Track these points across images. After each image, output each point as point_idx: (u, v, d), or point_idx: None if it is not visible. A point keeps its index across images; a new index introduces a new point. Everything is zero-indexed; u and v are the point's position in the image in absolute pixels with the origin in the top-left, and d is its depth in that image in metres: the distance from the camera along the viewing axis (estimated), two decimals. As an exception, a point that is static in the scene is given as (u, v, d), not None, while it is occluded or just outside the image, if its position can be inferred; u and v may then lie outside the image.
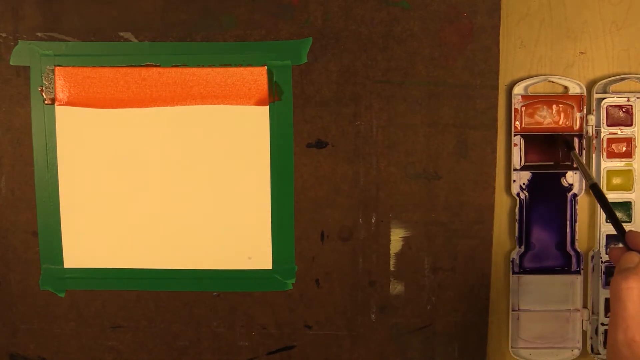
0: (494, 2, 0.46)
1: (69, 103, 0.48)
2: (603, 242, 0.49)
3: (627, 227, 0.49)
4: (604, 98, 0.48)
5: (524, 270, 0.50)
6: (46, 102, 0.48)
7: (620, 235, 0.39)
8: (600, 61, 0.49)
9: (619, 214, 0.49)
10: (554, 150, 0.48)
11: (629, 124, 0.49)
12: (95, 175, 0.49)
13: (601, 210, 0.49)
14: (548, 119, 0.49)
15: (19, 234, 0.49)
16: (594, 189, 0.42)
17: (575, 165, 0.48)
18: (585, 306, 0.50)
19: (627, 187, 0.49)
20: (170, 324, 0.50)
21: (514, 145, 0.49)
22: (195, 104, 0.48)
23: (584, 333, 0.50)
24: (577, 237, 0.49)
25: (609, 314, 0.50)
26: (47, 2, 0.47)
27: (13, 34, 0.47)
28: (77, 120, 0.48)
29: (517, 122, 0.49)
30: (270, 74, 0.47)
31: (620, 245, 0.39)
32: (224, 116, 0.48)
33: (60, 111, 0.48)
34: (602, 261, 0.49)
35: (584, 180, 0.49)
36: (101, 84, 0.48)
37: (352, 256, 0.49)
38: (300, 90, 0.47)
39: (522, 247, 0.50)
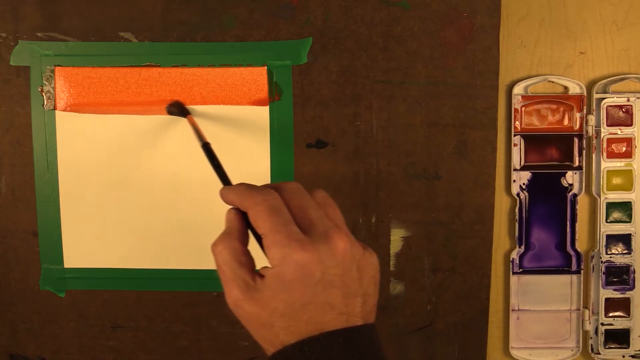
0: (494, 2, 0.46)
1: (69, 104, 0.48)
2: (603, 242, 0.49)
3: (627, 227, 0.49)
4: (604, 98, 0.48)
5: (523, 270, 0.50)
6: (46, 107, 0.48)
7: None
8: (600, 61, 0.49)
9: (618, 214, 0.50)
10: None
11: (629, 124, 0.49)
12: (95, 175, 0.49)
13: (601, 210, 0.49)
14: (548, 119, 0.49)
15: (19, 234, 0.49)
16: (206, 149, 0.40)
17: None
18: (585, 306, 0.50)
19: (627, 187, 0.49)
20: (170, 324, 0.50)
21: (514, 145, 0.49)
22: (196, 104, 0.48)
23: (584, 333, 0.50)
24: (577, 237, 0.49)
25: (609, 314, 0.50)
26: (47, 2, 0.47)
27: (13, 34, 0.47)
28: (77, 120, 0.48)
29: (517, 122, 0.49)
30: (270, 74, 0.47)
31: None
32: (224, 116, 0.48)
33: (61, 112, 0.48)
34: (602, 261, 0.50)
35: (583, 182, 0.49)
36: (101, 84, 0.48)
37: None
38: (300, 90, 0.47)
39: (522, 247, 0.50)
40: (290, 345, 0.29)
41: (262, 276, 0.30)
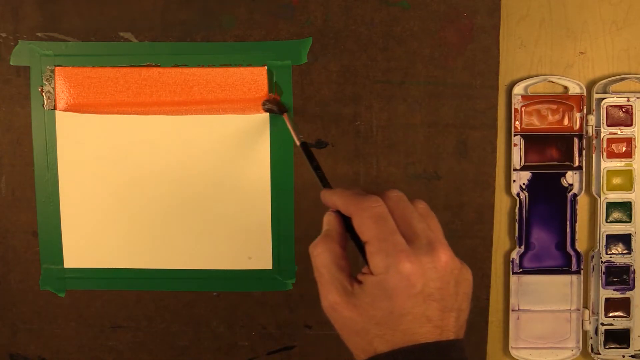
0: (494, 2, 0.46)
1: (69, 104, 0.48)
2: (603, 242, 0.49)
3: (627, 227, 0.49)
4: (604, 98, 0.48)
5: (524, 270, 0.50)
6: (46, 107, 0.48)
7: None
8: (600, 61, 0.49)
9: (618, 214, 0.50)
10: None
11: (629, 124, 0.49)
12: (95, 175, 0.49)
13: (601, 210, 0.49)
14: (548, 119, 0.49)
15: (19, 234, 0.49)
16: (304, 148, 0.40)
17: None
18: (585, 306, 0.50)
19: (627, 187, 0.49)
20: (170, 324, 0.50)
21: (514, 145, 0.49)
22: (196, 106, 0.48)
23: (584, 333, 0.50)
24: (577, 237, 0.49)
25: (609, 314, 0.50)
26: (47, 2, 0.47)
27: (13, 34, 0.47)
28: (77, 120, 0.48)
29: (517, 122, 0.49)
30: (270, 74, 0.47)
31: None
32: (224, 116, 0.48)
33: (61, 112, 0.48)
34: (602, 261, 0.50)
35: (583, 182, 0.49)
36: (101, 84, 0.48)
37: (352, 256, 0.49)
38: (300, 90, 0.47)
39: (522, 247, 0.50)
40: (383, 354, 0.29)
41: (359, 282, 0.30)
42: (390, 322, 0.29)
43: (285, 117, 0.44)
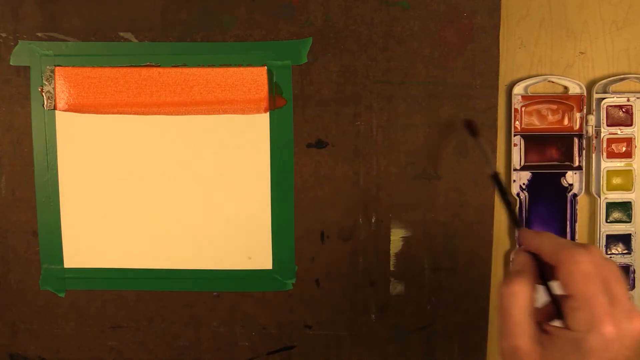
0: (494, 2, 0.46)
1: (69, 104, 0.48)
2: (603, 242, 0.49)
3: (627, 227, 0.49)
4: (604, 98, 0.48)
5: (524, 270, 0.50)
6: (46, 107, 0.48)
7: (516, 229, 0.36)
8: (600, 61, 0.49)
9: (618, 214, 0.50)
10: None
11: (629, 124, 0.49)
12: (95, 175, 0.49)
13: (601, 210, 0.49)
14: (548, 119, 0.49)
15: (19, 234, 0.49)
16: (495, 178, 0.39)
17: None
18: (585, 306, 0.50)
19: (627, 187, 0.49)
20: (170, 324, 0.50)
21: (514, 145, 0.49)
22: (196, 106, 0.48)
23: (584, 333, 0.50)
24: (577, 237, 0.49)
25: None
26: (47, 2, 0.47)
27: (13, 34, 0.47)
28: (77, 120, 0.48)
29: (517, 122, 0.49)
30: (270, 74, 0.47)
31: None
32: (224, 116, 0.48)
33: (61, 112, 0.48)
34: (602, 261, 0.50)
35: (583, 182, 0.49)
36: (101, 84, 0.48)
37: (352, 256, 0.49)
38: (300, 90, 0.47)
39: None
40: None
41: (546, 332, 0.30)
42: None
43: (477, 141, 0.43)
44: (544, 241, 0.32)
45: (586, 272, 0.30)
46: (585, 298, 0.29)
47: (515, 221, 0.36)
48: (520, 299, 0.31)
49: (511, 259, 0.33)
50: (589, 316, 0.29)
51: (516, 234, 0.35)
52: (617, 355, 0.29)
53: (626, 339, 0.29)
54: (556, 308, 0.31)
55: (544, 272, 0.32)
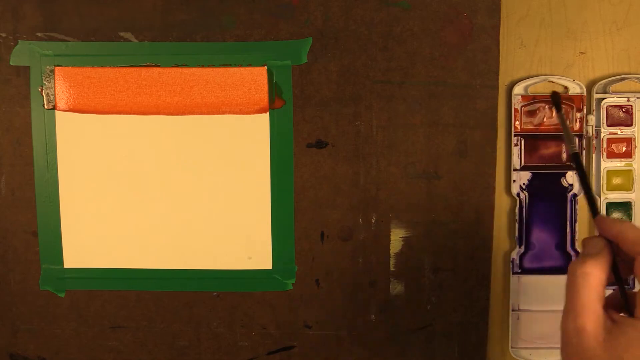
0: (494, 2, 0.46)
1: (69, 104, 0.48)
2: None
3: (627, 227, 0.49)
4: (604, 98, 0.48)
5: (524, 271, 0.50)
6: (46, 107, 0.48)
7: (593, 216, 0.35)
8: (600, 61, 0.49)
9: (618, 214, 0.49)
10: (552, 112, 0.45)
11: (629, 124, 0.49)
12: (95, 175, 0.49)
13: (601, 210, 0.49)
14: (548, 119, 0.49)
15: (19, 234, 0.49)
16: (575, 159, 0.38)
17: (561, 130, 0.43)
18: (585, 306, 0.50)
19: (627, 187, 0.49)
20: (170, 324, 0.50)
21: (514, 145, 0.49)
22: (196, 106, 0.48)
23: (584, 333, 0.50)
24: (577, 237, 0.49)
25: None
26: (47, 2, 0.47)
27: (13, 34, 0.47)
28: (77, 120, 0.48)
29: (517, 122, 0.49)
30: (270, 74, 0.47)
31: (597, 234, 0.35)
32: (224, 116, 0.48)
33: (61, 112, 0.48)
34: (602, 261, 0.49)
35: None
36: (101, 84, 0.48)
37: (352, 256, 0.49)
38: (300, 90, 0.47)
39: (522, 247, 0.50)
40: None
41: (614, 321, 0.30)
42: None
43: (559, 115, 0.40)
44: (626, 230, 0.31)
45: None
46: None
47: (593, 207, 0.35)
48: (593, 281, 0.30)
49: (582, 244, 0.33)
50: None
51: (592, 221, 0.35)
52: None
53: None
54: (624, 299, 0.30)
55: (616, 262, 0.31)
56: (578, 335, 0.30)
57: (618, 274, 0.31)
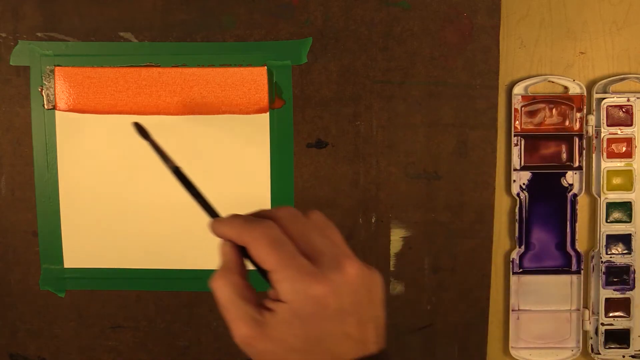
0: (494, 2, 0.46)
1: (69, 104, 0.48)
2: (603, 242, 0.49)
3: (627, 227, 0.49)
4: (604, 98, 0.48)
5: (523, 271, 0.50)
6: (46, 107, 0.48)
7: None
8: (600, 61, 0.49)
9: (618, 214, 0.49)
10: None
11: (629, 124, 0.49)
12: (95, 175, 0.49)
13: (601, 210, 0.49)
14: (548, 119, 0.49)
15: (19, 234, 0.49)
16: (177, 173, 0.36)
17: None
18: (585, 306, 0.50)
19: (627, 187, 0.49)
20: (170, 324, 0.50)
21: (514, 145, 0.49)
22: (196, 106, 0.48)
23: (584, 333, 0.50)
24: (577, 237, 0.49)
25: (609, 314, 0.50)
26: (47, 2, 0.47)
27: (13, 34, 0.47)
28: (77, 120, 0.48)
29: (517, 122, 0.49)
30: (270, 74, 0.47)
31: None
32: (224, 116, 0.48)
33: (61, 112, 0.48)
34: (602, 261, 0.50)
35: (583, 182, 0.49)
36: (101, 84, 0.48)
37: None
38: (300, 90, 0.47)
39: (522, 247, 0.50)
40: None
41: (269, 310, 0.29)
42: (310, 347, 0.28)
43: (150, 142, 0.38)
44: (227, 229, 0.31)
45: (272, 242, 0.29)
46: (281, 267, 0.28)
47: (210, 212, 0.34)
48: (227, 291, 0.30)
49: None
50: (291, 283, 0.28)
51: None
52: (340, 305, 0.28)
53: (342, 287, 0.28)
54: (269, 283, 0.29)
55: (250, 256, 0.30)
56: (249, 344, 0.29)
57: (257, 265, 0.30)
